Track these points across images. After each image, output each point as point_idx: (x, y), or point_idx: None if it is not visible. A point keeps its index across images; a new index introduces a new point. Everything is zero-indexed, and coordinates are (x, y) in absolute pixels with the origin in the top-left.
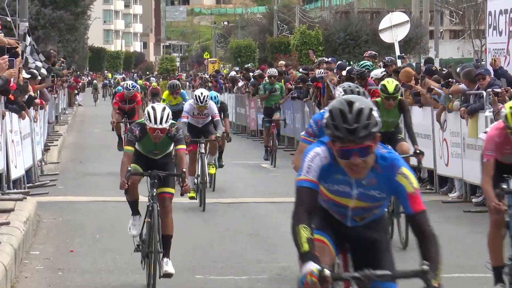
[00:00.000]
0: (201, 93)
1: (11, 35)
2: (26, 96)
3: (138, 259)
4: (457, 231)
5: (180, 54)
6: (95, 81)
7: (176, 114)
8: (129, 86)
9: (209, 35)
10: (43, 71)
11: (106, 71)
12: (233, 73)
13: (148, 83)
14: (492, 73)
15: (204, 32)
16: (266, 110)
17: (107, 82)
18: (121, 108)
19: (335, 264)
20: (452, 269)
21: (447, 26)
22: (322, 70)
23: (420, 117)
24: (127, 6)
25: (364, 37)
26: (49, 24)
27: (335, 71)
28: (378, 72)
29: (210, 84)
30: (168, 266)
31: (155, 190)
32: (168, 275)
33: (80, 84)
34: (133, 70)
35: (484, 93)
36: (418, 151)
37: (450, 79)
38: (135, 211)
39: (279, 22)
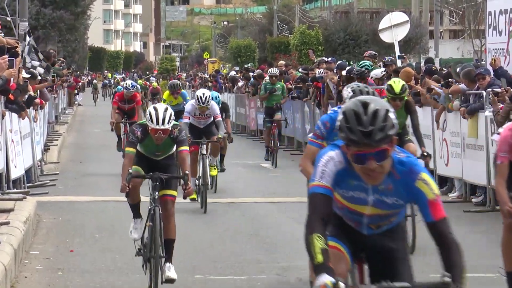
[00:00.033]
0: (203, 94)
1: (11, 35)
2: (26, 96)
3: (138, 259)
4: (457, 231)
5: (180, 54)
6: (95, 81)
7: (177, 114)
8: (129, 86)
9: (209, 35)
10: (39, 69)
11: (106, 71)
12: (233, 73)
13: (148, 83)
14: (492, 73)
15: (204, 32)
16: (267, 110)
17: (107, 82)
18: (120, 108)
19: (350, 273)
20: None
21: (447, 26)
22: (322, 70)
23: (420, 117)
24: (127, 6)
25: (364, 37)
26: (49, 24)
27: (335, 71)
28: (378, 72)
29: (210, 84)
30: (170, 271)
31: (157, 193)
32: (170, 281)
33: (80, 84)
34: (133, 70)
35: (484, 93)
36: (425, 154)
37: (450, 79)
38: (137, 214)
39: (279, 22)
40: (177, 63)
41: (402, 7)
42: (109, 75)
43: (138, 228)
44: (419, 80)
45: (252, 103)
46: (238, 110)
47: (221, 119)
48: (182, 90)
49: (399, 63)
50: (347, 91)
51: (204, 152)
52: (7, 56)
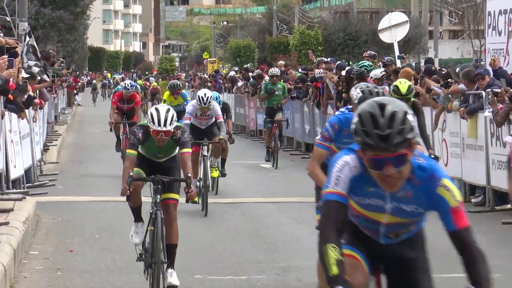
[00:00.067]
0: (204, 94)
1: (11, 35)
2: (26, 96)
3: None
4: None
5: (180, 54)
6: (94, 81)
7: (178, 115)
8: (128, 86)
9: (209, 35)
10: (34, 69)
11: (105, 71)
12: (232, 73)
13: (147, 83)
14: (492, 73)
15: (203, 32)
16: (268, 110)
17: (106, 82)
18: (119, 108)
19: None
20: (452, 269)
21: (447, 26)
22: (321, 70)
23: None
24: (126, 6)
25: (364, 37)
26: (49, 24)
27: (334, 71)
28: (377, 72)
29: (209, 84)
30: (172, 277)
31: (158, 196)
32: (172, 287)
33: (80, 84)
34: (132, 70)
35: (484, 93)
36: (432, 156)
37: (449, 80)
38: (138, 218)
39: (278, 22)
40: (177, 63)
41: (402, 7)
42: (109, 75)
43: (140, 232)
44: (419, 80)
45: (251, 103)
46: (237, 110)
47: (222, 120)
48: (183, 91)
49: (398, 63)
50: (355, 92)
51: (205, 153)
52: (6, 56)
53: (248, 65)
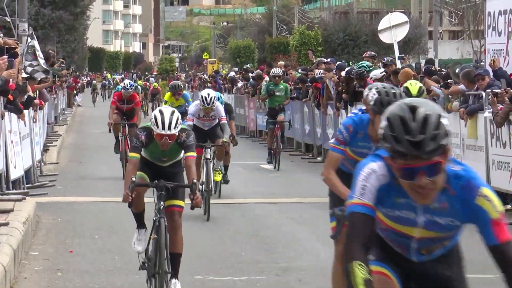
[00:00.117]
0: (208, 94)
1: (11, 35)
2: (25, 97)
3: (137, 258)
4: None
5: (179, 55)
6: (94, 81)
7: None
8: (127, 86)
9: (208, 35)
10: (28, 69)
11: (105, 72)
12: (232, 73)
13: (148, 83)
14: (491, 73)
15: (203, 32)
16: (269, 111)
17: (106, 82)
18: (119, 108)
19: None
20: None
21: (446, 27)
22: (321, 71)
23: None
24: (126, 6)
25: (363, 38)
26: (48, 25)
27: (334, 71)
28: (377, 72)
29: (209, 85)
30: None
31: (162, 203)
32: None
33: (79, 84)
34: (132, 71)
35: (484, 94)
36: None
37: (449, 80)
38: (140, 224)
39: (278, 22)
40: (177, 64)
41: (402, 8)
42: (109, 75)
43: (142, 239)
44: (419, 81)
45: (251, 104)
46: (237, 111)
47: (226, 121)
48: (184, 92)
49: (398, 64)
50: (371, 93)
51: (208, 156)
52: (6, 56)
53: (248, 65)
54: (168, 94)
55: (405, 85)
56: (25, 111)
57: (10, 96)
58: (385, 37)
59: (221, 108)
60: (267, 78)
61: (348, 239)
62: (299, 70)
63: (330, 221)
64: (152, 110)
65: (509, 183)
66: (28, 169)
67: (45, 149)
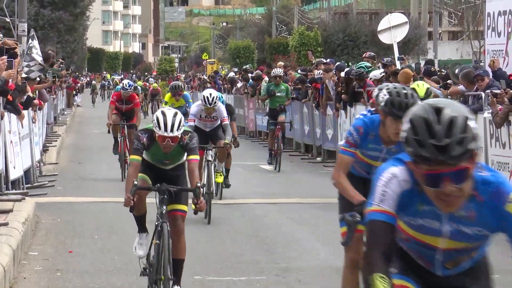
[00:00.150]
0: (210, 94)
1: (10, 35)
2: (25, 97)
3: (137, 259)
4: None
5: (179, 55)
6: (93, 82)
7: None
8: (126, 86)
9: (208, 36)
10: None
11: (104, 72)
12: (231, 74)
13: (147, 84)
14: (491, 74)
15: (203, 33)
16: (270, 112)
17: (106, 83)
18: (118, 108)
19: None
20: None
21: (446, 27)
22: (320, 71)
23: None
24: (126, 7)
25: (363, 38)
26: (48, 25)
27: (333, 72)
28: (377, 73)
29: (208, 85)
30: None
31: (164, 207)
32: None
33: (79, 85)
34: (131, 71)
35: (483, 95)
36: None
37: (448, 81)
38: (142, 228)
39: (277, 23)
40: (176, 64)
41: (401, 8)
42: (108, 76)
43: (144, 243)
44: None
45: (251, 104)
46: (237, 111)
47: (228, 122)
48: (184, 92)
49: (398, 64)
50: (382, 93)
51: (210, 158)
52: (6, 57)
53: (248, 66)
54: (168, 94)
55: (412, 86)
56: (25, 112)
57: (9, 97)
58: (384, 38)
59: (223, 109)
60: (266, 78)
61: (368, 249)
62: (299, 71)
63: (340, 226)
64: (152, 111)
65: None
66: (27, 169)
67: (45, 150)
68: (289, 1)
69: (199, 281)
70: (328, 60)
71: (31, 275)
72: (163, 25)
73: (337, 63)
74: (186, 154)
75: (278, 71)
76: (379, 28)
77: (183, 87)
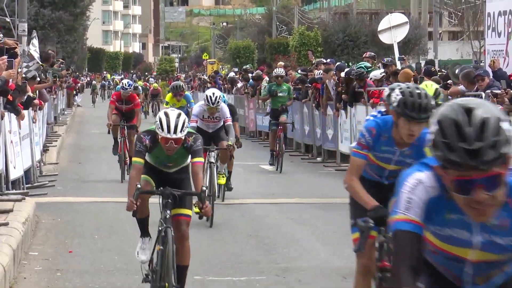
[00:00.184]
0: (213, 93)
1: (10, 35)
2: (25, 97)
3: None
4: None
5: (179, 55)
6: (94, 82)
7: None
8: (125, 85)
9: (208, 36)
10: (24, 70)
11: (105, 72)
12: (232, 74)
13: (148, 84)
14: (491, 74)
15: (203, 33)
16: (272, 112)
17: (106, 83)
18: (118, 108)
19: None
20: None
21: (446, 27)
22: (320, 71)
23: None
24: (126, 7)
25: (363, 38)
26: (48, 25)
27: (334, 72)
28: (377, 73)
29: (209, 85)
30: None
31: (168, 211)
32: None
33: (79, 85)
34: (132, 71)
35: (483, 95)
36: None
37: (449, 81)
38: (144, 232)
39: (278, 23)
40: (176, 64)
41: (401, 8)
42: (108, 76)
43: (147, 248)
44: (418, 82)
45: (251, 104)
46: (237, 111)
47: (231, 123)
48: (186, 92)
49: (398, 64)
50: (394, 94)
51: (213, 160)
52: (6, 57)
53: (248, 66)
54: (169, 95)
55: (420, 86)
56: (25, 111)
57: (9, 97)
58: (385, 38)
59: (226, 109)
60: (266, 78)
61: (394, 262)
62: (299, 71)
63: (352, 232)
64: (153, 111)
65: None
66: (27, 169)
67: (45, 150)
68: (289, 1)
69: (199, 281)
70: (328, 60)
71: (31, 275)
72: (163, 25)
73: (337, 63)
74: (190, 156)
75: (279, 71)
76: (379, 28)
77: (184, 87)
